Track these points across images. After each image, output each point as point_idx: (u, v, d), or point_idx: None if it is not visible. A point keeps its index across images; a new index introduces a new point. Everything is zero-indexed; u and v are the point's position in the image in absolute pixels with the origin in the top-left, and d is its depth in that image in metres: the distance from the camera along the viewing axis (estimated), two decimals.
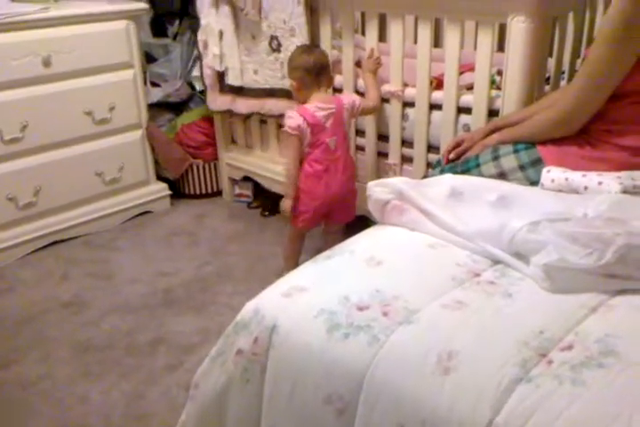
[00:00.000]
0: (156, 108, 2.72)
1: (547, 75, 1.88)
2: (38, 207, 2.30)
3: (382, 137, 2.15)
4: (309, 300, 1.11)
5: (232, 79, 2.34)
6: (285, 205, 1.94)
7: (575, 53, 1.98)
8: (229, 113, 2.51)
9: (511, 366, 0.90)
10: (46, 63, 2.19)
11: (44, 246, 2.35)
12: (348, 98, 1.97)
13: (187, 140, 2.69)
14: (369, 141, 2.17)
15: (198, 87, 2.50)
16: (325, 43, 2.15)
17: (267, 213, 2.60)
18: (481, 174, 1.49)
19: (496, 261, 1.17)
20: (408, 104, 2.02)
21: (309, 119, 1.85)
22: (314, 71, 1.87)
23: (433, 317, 1.01)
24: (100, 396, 1.62)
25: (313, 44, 2.12)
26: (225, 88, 2.40)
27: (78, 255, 2.32)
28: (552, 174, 1.39)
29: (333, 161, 1.92)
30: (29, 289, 2.11)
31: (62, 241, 2.39)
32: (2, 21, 2.05)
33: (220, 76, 2.38)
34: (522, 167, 1.47)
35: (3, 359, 1.75)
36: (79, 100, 2.30)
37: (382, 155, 2.17)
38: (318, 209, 1.96)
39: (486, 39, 1.77)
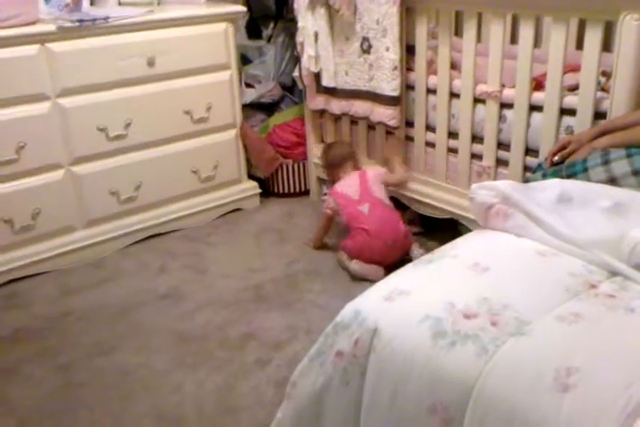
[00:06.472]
0: (249, 108, 2.78)
1: None
2: (138, 202, 2.40)
3: (475, 138, 2.10)
4: (412, 304, 1.10)
5: (326, 80, 2.36)
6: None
7: None
8: (322, 113, 2.54)
9: (638, 388, 0.85)
10: (150, 63, 2.27)
11: (143, 239, 2.45)
12: (374, 171, 2.29)
13: (278, 140, 2.74)
14: (462, 143, 2.13)
15: (300, 86, 2.54)
16: (420, 43, 2.13)
17: None
18: (589, 179, 1.42)
19: (614, 273, 1.11)
20: (505, 105, 1.97)
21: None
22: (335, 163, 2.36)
23: (548, 329, 0.97)
24: (193, 386, 1.67)
25: (401, 45, 2.12)
26: (321, 88, 2.42)
27: (175, 249, 2.40)
28: None
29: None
30: (129, 280, 2.20)
31: (159, 235, 2.48)
32: (111, 24, 2.15)
33: (317, 76, 2.41)
34: (636, 173, 1.39)
35: (104, 346, 1.84)
36: (179, 100, 2.38)
37: (475, 157, 2.12)
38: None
39: (594, 38, 1.69)
